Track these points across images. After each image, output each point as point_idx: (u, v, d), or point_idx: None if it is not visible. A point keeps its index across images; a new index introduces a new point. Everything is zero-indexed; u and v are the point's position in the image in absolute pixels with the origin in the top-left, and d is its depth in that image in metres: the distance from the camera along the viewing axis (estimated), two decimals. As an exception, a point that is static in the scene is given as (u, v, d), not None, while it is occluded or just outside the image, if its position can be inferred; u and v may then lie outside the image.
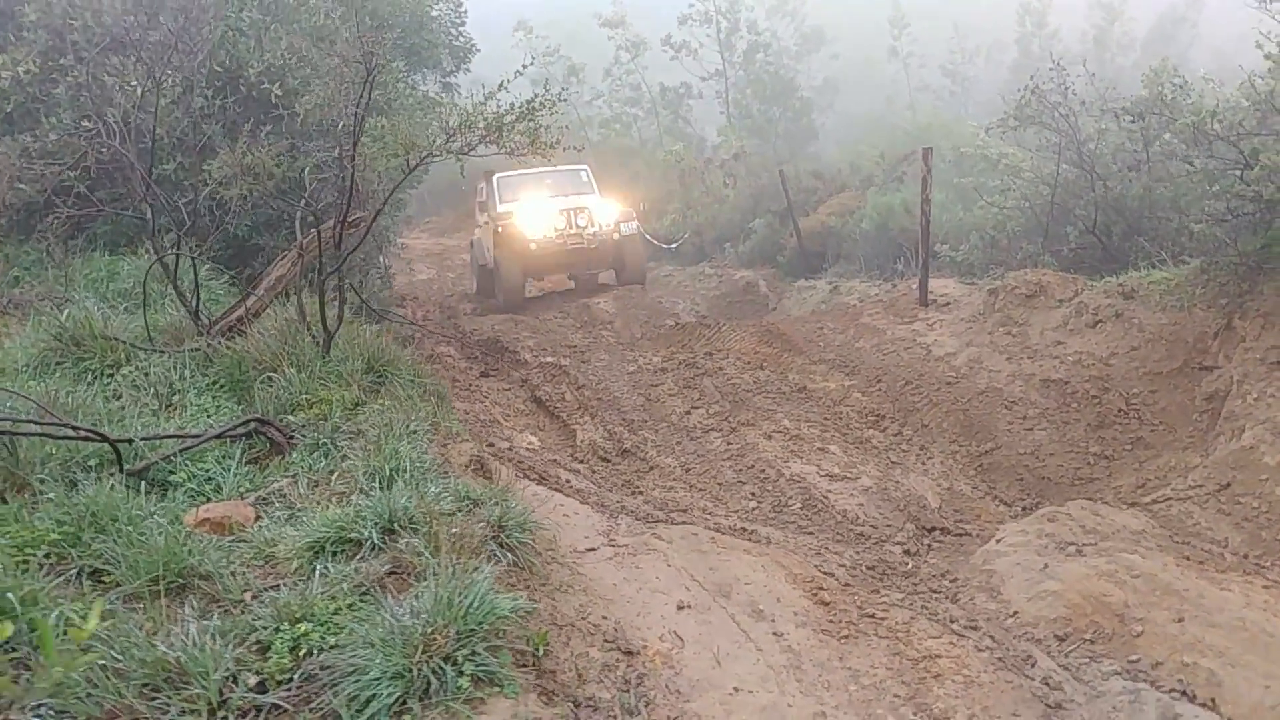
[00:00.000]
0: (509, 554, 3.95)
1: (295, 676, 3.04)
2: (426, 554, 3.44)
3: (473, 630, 3.07)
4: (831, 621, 4.42)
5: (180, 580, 3.60)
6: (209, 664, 2.97)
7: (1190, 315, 7.55)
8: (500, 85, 5.74)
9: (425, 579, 3.37)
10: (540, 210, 15.50)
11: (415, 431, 4.71)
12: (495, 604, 3.14)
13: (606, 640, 4.00)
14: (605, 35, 29.58)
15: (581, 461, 8.11)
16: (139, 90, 6.32)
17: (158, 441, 4.65)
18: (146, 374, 5.57)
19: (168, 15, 6.50)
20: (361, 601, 3.39)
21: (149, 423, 5.03)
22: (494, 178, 16.36)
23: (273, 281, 5.88)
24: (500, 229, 15.21)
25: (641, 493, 7.13)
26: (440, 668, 2.97)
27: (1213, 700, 4.08)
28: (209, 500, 4.41)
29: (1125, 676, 4.31)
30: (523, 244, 15.08)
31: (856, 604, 4.64)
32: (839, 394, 8.65)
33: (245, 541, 3.96)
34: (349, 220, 5.43)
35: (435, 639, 3.00)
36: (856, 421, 8.21)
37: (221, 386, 5.51)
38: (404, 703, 2.92)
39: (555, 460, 7.64)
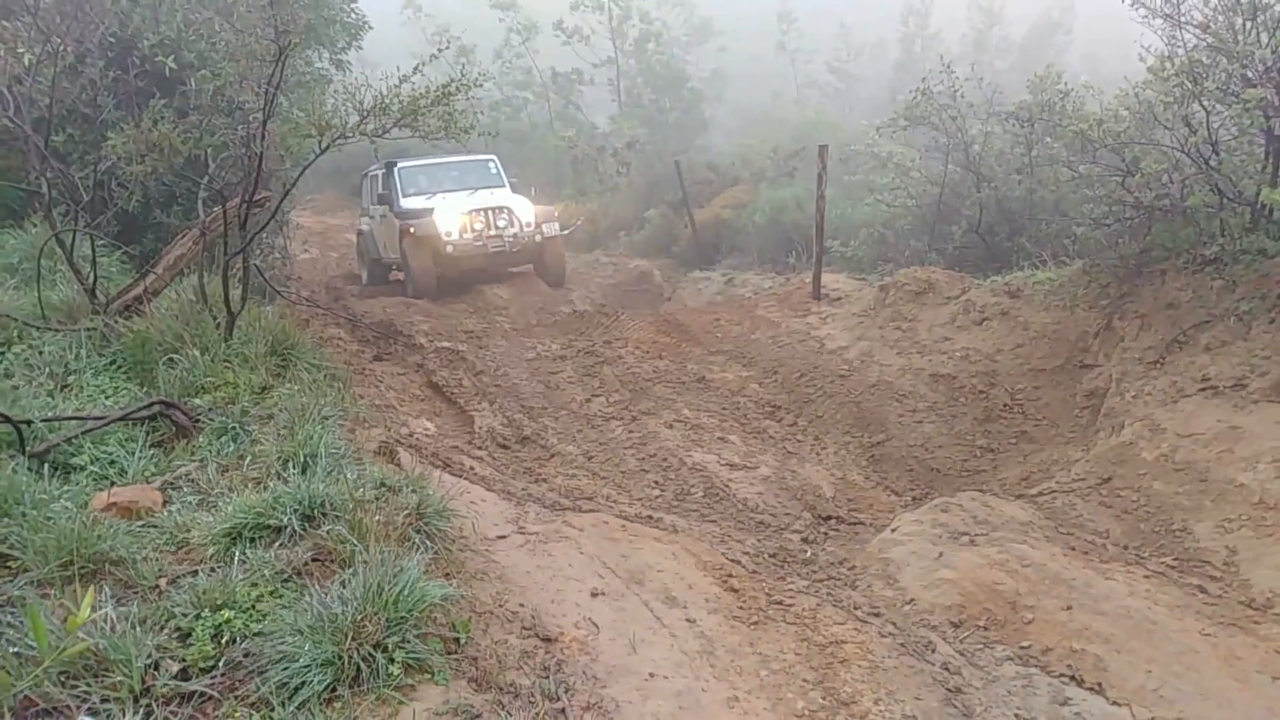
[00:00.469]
0: (429, 542, 3.93)
1: (220, 664, 2.99)
2: (352, 541, 3.40)
3: (403, 618, 3.06)
4: (742, 608, 4.53)
5: (91, 566, 3.50)
6: (130, 651, 2.90)
7: (1072, 315, 7.91)
8: (415, 69, 5.66)
9: (350, 566, 3.34)
10: (457, 210, 14.31)
11: (328, 417, 4.63)
12: (425, 592, 3.13)
13: (524, 627, 4.02)
14: (496, 17, 29.26)
15: (481, 448, 8.08)
16: (26, 58, 6.03)
17: (57, 423, 4.47)
18: (40, 352, 5.35)
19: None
20: (284, 588, 3.35)
21: (45, 404, 4.84)
22: (396, 168, 15.26)
23: (172, 260, 5.69)
24: (412, 230, 14.00)
25: (545, 480, 7.15)
26: (370, 655, 2.95)
27: (1099, 684, 4.31)
28: (113, 484, 4.27)
29: (1017, 662, 4.53)
30: (438, 247, 13.95)
31: (765, 591, 4.75)
32: (737, 385, 8.81)
33: (156, 527, 3.86)
34: (255, 199, 5.29)
35: (365, 626, 2.99)
36: (754, 412, 8.38)
37: (119, 368, 5.32)
38: (334, 690, 2.90)
39: (457, 447, 7.60)
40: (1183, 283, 7.21)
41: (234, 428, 4.64)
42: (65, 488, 4.08)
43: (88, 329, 5.49)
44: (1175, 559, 5.53)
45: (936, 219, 11.25)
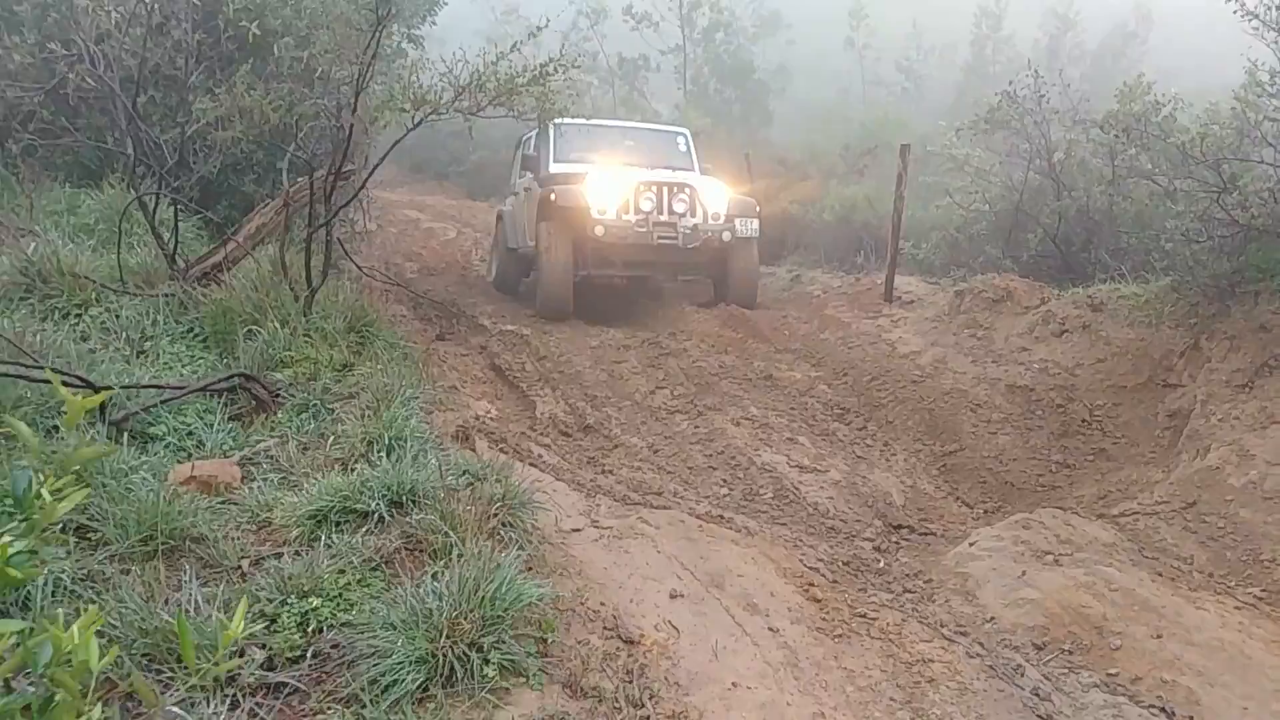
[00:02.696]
0: (514, 534, 3.84)
1: (307, 654, 2.91)
2: (446, 531, 3.31)
3: (499, 617, 2.96)
4: (825, 620, 4.40)
5: (172, 542, 3.44)
6: (217, 636, 2.83)
7: (1158, 332, 7.68)
8: (513, 47, 5.57)
9: (442, 558, 3.25)
10: (619, 179, 10.61)
11: (414, 398, 4.55)
12: (522, 591, 3.03)
13: (606, 628, 3.92)
14: None
15: (544, 435, 8.01)
16: (112, 15, 6.01)
17: (135, 391, 4.43)
18: (118, 316, 5.33)
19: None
20: (372, 577, 3.27)
21: (122, 370, 4.80)
22: (554, 124, 10.88)
23: (254, 229, 5.65)
24: (553, 196, 10.42)
25: (611, 472, 7.04)
26: (465, 654, 2.86)
27: (1191, 718, 4.14)
28: (190, 457, 4.22)
29: (1104, 689, 4.36)
30: (585, 223, 10.25)
31: (847, 603, 4.62)
32: (805, 384, 8.65)
33: (236, 504, 3.80)
34: (342, 172, 5.22)
35: (460, 624, 2.90)
36: (822, 413, 8.22)
37: (197, 336, 5.29)
38: (426, 689, 2.81)
39: (524, 433, 7.51)
40: (1277, 306, 6.96)
41: (315, 405, 4.58)
42: (144, 458, 4.04)
43: (166, 295, 5.47)
44: (1264, 590, 5.32)
45: (1013, 226, 11.00)
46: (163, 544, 3.41)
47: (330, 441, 4.19)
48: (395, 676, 2.77)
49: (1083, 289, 8.74)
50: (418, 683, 2.78)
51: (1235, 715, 4.13)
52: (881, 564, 5.80)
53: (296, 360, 4.92)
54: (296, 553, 3.40)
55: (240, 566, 3.37)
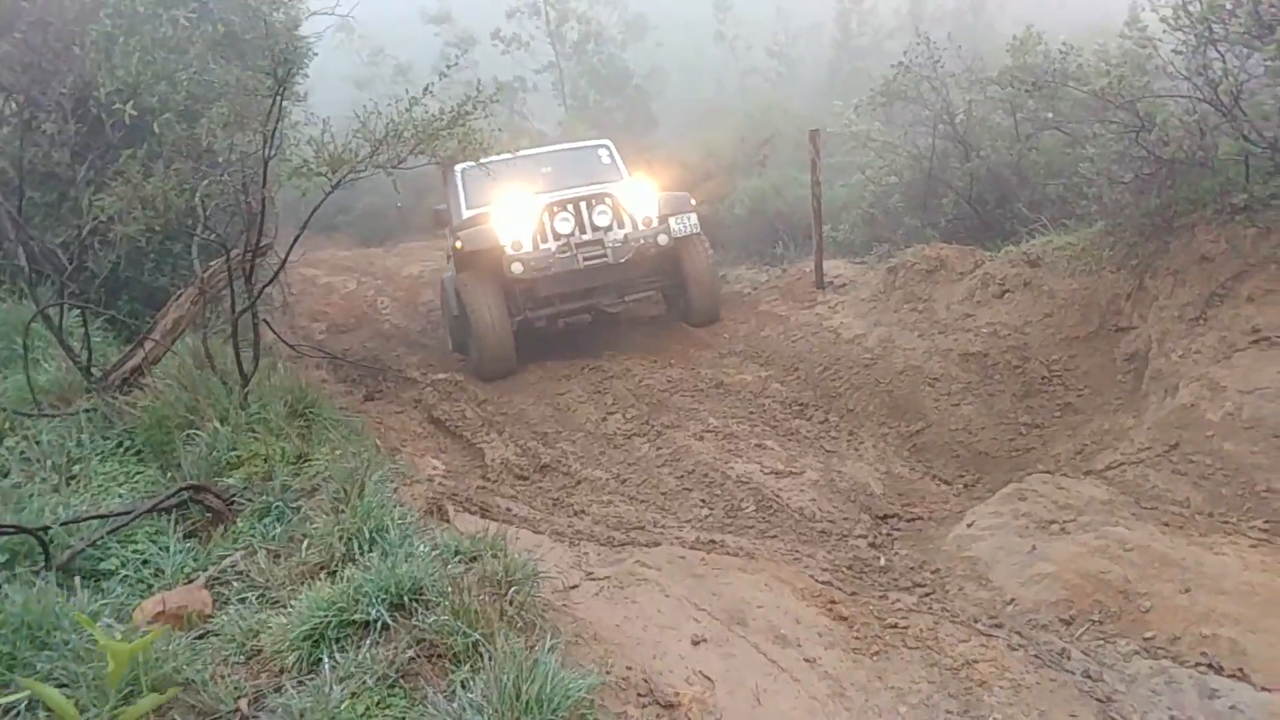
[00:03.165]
0: (523, 614, 3.53)
1: (345, 801, 2.59)
2: (464, 630, 3.00)
3: None
4: (858, 638, 4.19)
5: (156, 693, 3.06)
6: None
7: (1100, 278, 7.66)
8: (425, 90, 5.26)
9: (466, 662, 2.95)
10: (526, 205, 9.49)
11: (383, 481, 4.21)
12: (569, 685, 2.74)
13: (639, 694, 3.64)
14: (431, 32, 28.69)
15: (499, 484, 7.70)
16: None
17: (77, 525, 4.02)
18: (37, 443, 4.87)
19: (21, 28, 5.70)
20: (392, 696, 2.94)
21: (55, 502, 4.36)
22: (457, 170, 10.50)
23: (170, 323, 5.24)
24: (460, 244, 9.49)
25: (583, 512, 6.76)
26: (523, 771, 2.57)
27: (1241, 670, 4.02)
28: (151, 588, 3.83)
29: (1146, 655, 4.23)
30: (499, 266, 9.23)
31: (874, 614, 4.42)
32: (757, 386, 8.47)
33: (217, 634, 3.43)
34: (259, 247, 4.86)
35: (509, 737, 2.60)
36: (781, 413, 8.04)
37: (129, 450, 4.86)
38: (486, 818, 2.51)
39: (484, 487, 7.19)
40: (1214, 234, 6.96)
41: (277, 506, 4.21)
42: (102, 600, 3.64)
43: (87, 410, 5.03)
44: (1267, 522, 5.25)
45: (926, 194, 10.98)
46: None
47: (305, 545, 3.83)
48: (450, 810, 2.47)
49: (1016, 246, 8.71)
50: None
51: (1285, 657, 4.03)
52: (882, 561, 5.63)
53: (245, 459, 4.53)
54: (299, 681, 3.05)
55: (239, 709, 3.01)
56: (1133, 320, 7.34)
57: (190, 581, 3.87)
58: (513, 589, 3.41)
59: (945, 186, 10.93)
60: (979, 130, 10.68)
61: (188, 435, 4.71)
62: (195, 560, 4.02)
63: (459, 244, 9.48)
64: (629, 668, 3.78)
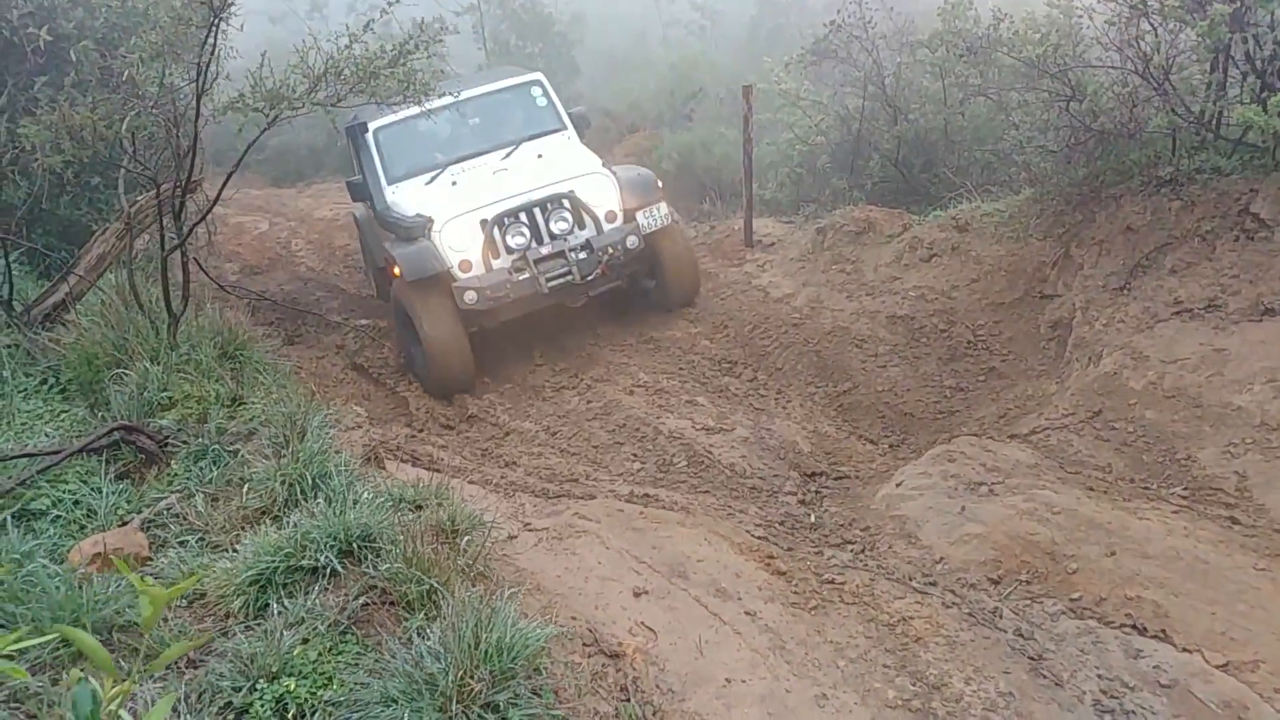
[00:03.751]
0: (488, 568, 3.49)
1: (299, 747, 2.53)
2: (419, 578, 2.94)
3: (509, 670, 2.63)
4: (796, 593, 4.24)
5: (98, 637, 2.95)
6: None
7: (1027, 245, 7.81)
8: (366, 26, 5.07)
9: (420, 610, 2.89)
10: (468, 221, 7.92)
11: (324, 427, 4.10)
12: (528, 635, 2.71)
13: (585, 644, 3.64)
14: (347, -34, 27.80)
15: (421, 431, 7.60)
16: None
17: (3, 464, 3.84)
18: (-47, 378, 4.65)
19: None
20: (344, 643, 2.88)
21: (-23, 440, 4.17)
22: (370, 133, 8.79)
23: (94, 259, 5.00)
24: (399, 270, 7.98)
25: (514, 463, 6.71)
26: (483, 717, 2.53)
27: (1164, 631, 4.17)
28: (85, 529, 3.69)
29: (1072, 616, 4.36)
30: (449, 303, 7.84)
31: (812, 570, 4.48)
32: (687, 342, 8.46)
33: (157, 578, 3.31)
34: (190, 183, 4.65)
35: (469, 684, 2.56)
36: (710, 370, 8.05)
37: (53, 388, 4.66)
38: (447, 764, 2.48)
39: (413, 436, 7.09)
40: (1140, 206, 7.14)
41: (214, 449, 4.08)
42: (34, 540, 3.49)
43: (7, 346, 4.80)
44: (1186, 489, 5.44)
45: (854, 156, 11.05)
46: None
47: (245, 490, 3.72)
48: (412, 758, 2.43)
49: (942, 211, 8.82)
50: (437, 762, 2.44)
51: (1204, 620, 4.19)
52: (813, 518, 5.70)
53: (178, 400, 4.38)
54: (247, 627, 2.97)
55: (186, 654, 2.92)
56: (1058, 288, 7.50)
57: (125, 524, 3.74)
58: (464, 538, 3.35)
59: (872, 149, 11.00)
60: (908, 93, 10.75)
61: (116, 374, 4.52)
62: (129, 502, 3.89)
63: (397, 270, 7.84)
64: (573, 618, 3.77)
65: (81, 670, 1.81)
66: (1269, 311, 6.09)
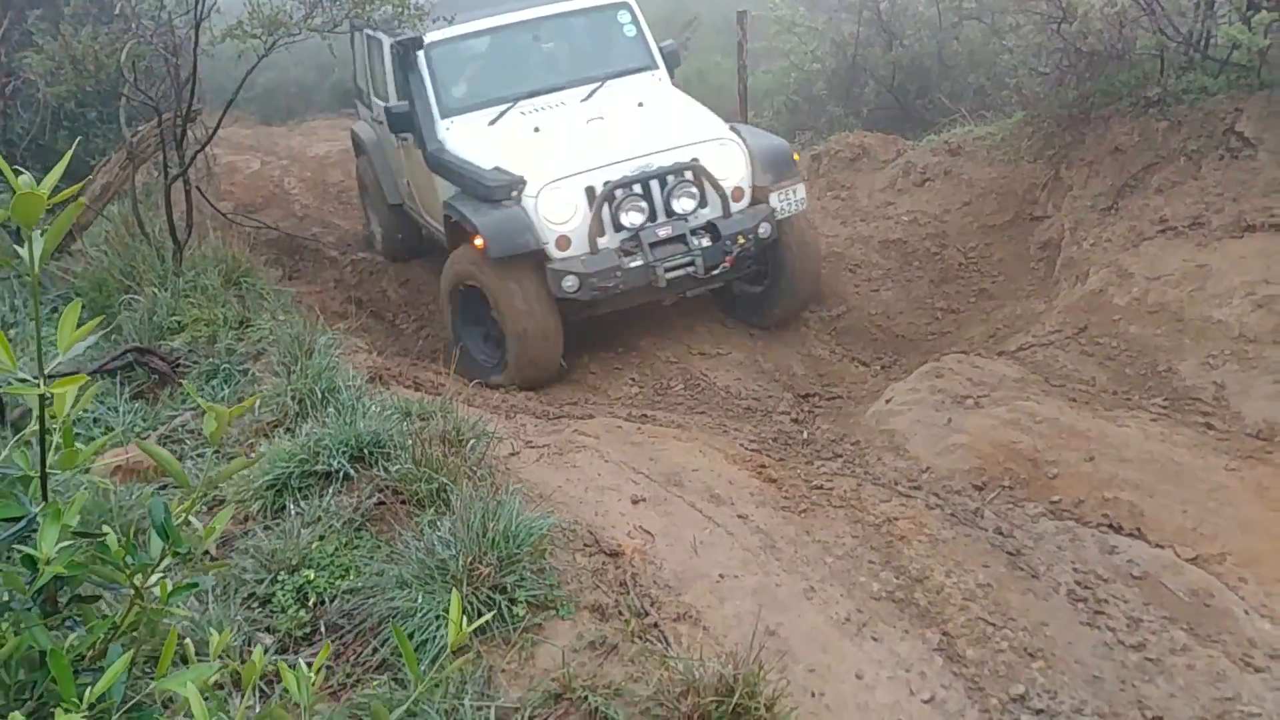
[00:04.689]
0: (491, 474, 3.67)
1: (320, 630, 2.72)
2: (433, 477, 3.12)
3: (514, 555, 2.82)
4: (786, 498, 4.43)
5: (92, 534, 3.14)
6: (222, 629, 2.60)
7: (1018, 168, 7.91)
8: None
9: (430, 506, 3.08)
10: (574, 183, 6.42)
11: (331, 346, 4.27)
12: (532, 525, 2.90)
13: (585, 544, 3.82)
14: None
15: (422, 360, 7.76)
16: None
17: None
18: (-31, 306, 4.80)
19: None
20: (359, 538, 3.07)
21: (-5, 363, 4.32)
22: (424, 50, 6.89)
23: (99, 189, 5.13)
24: (481, 242, 6.31)
25: (515, 388, 6.89)
26: (491, 598, 2.73)
27: (1138, 529, 4.36)
28: (105, 446, 3.86)
29: (1052, 517, 4.55)
30: (541, 282, 6.45)
31: (802, 477, 4.66)
32: (683, 269, 8.59)
33: (177, 487, 3.49)
34: (191, 111, 4.76)
35: (478, 569, 2.75)
36: (705, 297, 8.19)
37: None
38: (459, 641, 2.67)
39: (414, 363, 7.25)
40: (1128, 127, 7.24)
41: (224, 368, 4.25)
42: (58, 455, 3.66)
43: (18, 276, 4.95)
44: (1166, 399, 5.61)
45: (850, 82, 11.09)
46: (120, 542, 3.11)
47: (258, 404, 3.89)
48: (426, 635, 2.62)
49: (937, 135, 8.91)
50: (450, 637, 2.63)
51: (1176, 518, 4.38)
52: (805, 434, 5.87)
53: (187, 324, 4.55)
54: (266, 527, 3.16)
55: (208, 551, 3.10)
56: (1047, 210, 7.62)
57: (143, 439, 3.91)
58: (470, 443, 3.53)
59: (868, 75, 11.05)
60: (903, 18, 10.78)
61: (126, 300, 4.68)
62: (145, 420, 4.06)
63: (479, 241, 6.27)
64: (575, 522, 3.95)
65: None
66: (1250, 228, 6.21)
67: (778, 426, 5.99)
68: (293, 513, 3.15)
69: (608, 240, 6.45)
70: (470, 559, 2.73)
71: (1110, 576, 3.98)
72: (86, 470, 3.57)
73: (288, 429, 3.69)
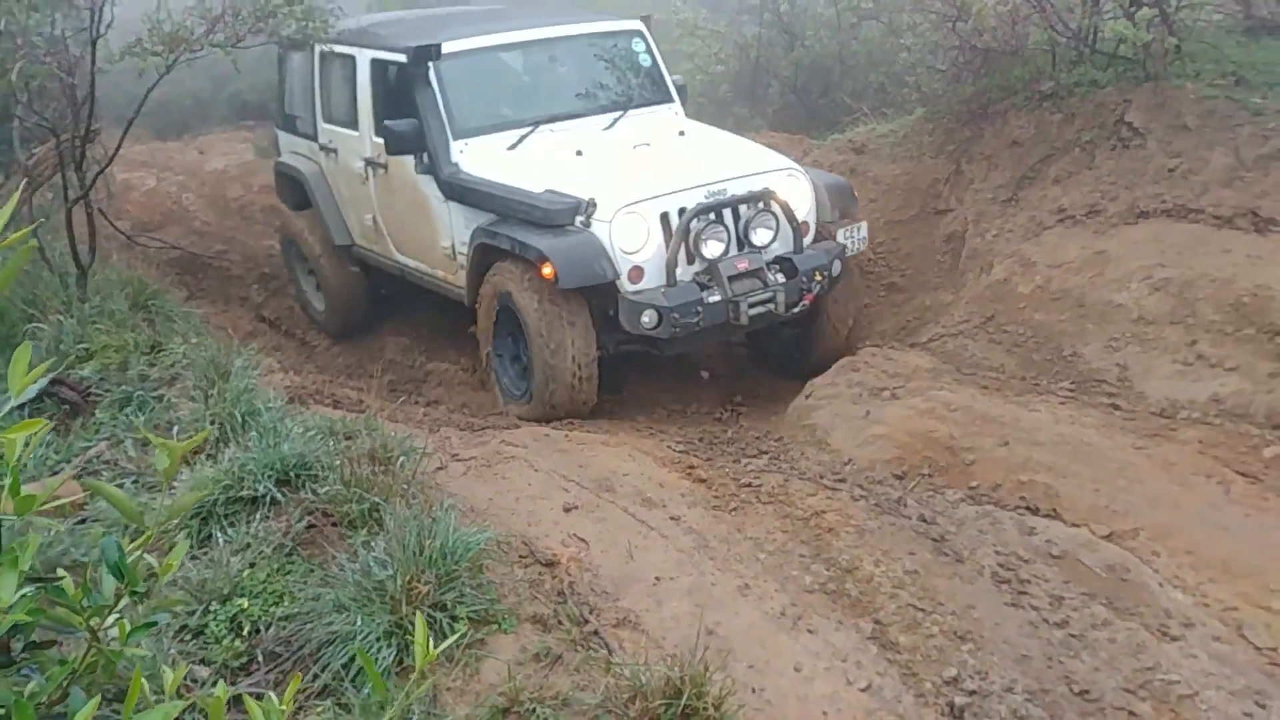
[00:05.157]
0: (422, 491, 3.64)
1: (258, 659, 2.68)
2: (364, 496, 3.09)
3: (453, 571, 2.81)
4: (717, 497, 4.47)
5: (47, 578, 3.04)
6: (157, 664, 2.54)
7: (921, 164, 8.10)
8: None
9: (363, 527, 3.05)
10: (649, 208, 5.89)
11: (248, 368, 4.19)
12: (468, 540, 2.89)
13: (521, 556, 3.81)
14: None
15: (338, 377, 7.67)
16: None
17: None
18: None
19: None
20: (290, 563, 3.02)
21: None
22: (437, 63, 6.47)
23: (-4, 216, 4.94)
24: (547, 271, 5.65)
25: (437, 402, 6.86)
26: (432, 617, 2.71)
27: (1054, 510, 4.52)
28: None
29: (971, 502, 4.68)
30: (588, 314, 5.96)
31: (731, 476, 4.71)
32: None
33: (98, 520, 3.40)
34: (90, 131, 4.63)
35: (416, 587, 2.73)
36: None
37: (-36, 348, 4.63)
38: (402, 661, 2.65)
39: (330, 380, 7.16)
40: (1024, 120, 7.47)
41: (138, 395, 4.14)
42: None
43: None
44: (1073, 382, 5.82)
45: (754, 84, 11.24)
46: (38, 582, 3.01)
47: (175, 430, 3.80)
48: (369, 657, 2.59)
49: (842, 134, 9.08)
50: (393, 657, 2.62)
51: (1089, 497, 4.54)
52: (729, 434, 5.95)
53: (96, 351, 4.41)
54: (193, 556, 3.09)
55: (135, 589, 3.02)
56: (951, 203, 7.82)
57: (54, 474, 3.79)
58: (399, 460, 3.50)
59: (771, 76, 11.22)
60: (803, 19, 10.97)
61: (30, 330, 4.53)
62: (57, 453, 3.93)
63: (547, 270, 5.59)
64: (509, 534, 3.94)
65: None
66: (1144, 214, 6.46)
67: (703, 427, 6.05)
68: (220, 541, 3.09)
69: (682, 272, 5.90)
70: (408, 578, 2.71)
71: (1031, 557, 4.10)
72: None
73: (209, 455, 3.62)
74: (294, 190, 8.46)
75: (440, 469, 4.83)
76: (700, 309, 5.75)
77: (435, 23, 7.28)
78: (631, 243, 5.75)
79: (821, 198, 6.44)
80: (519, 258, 5.89)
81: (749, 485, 4.62)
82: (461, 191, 6.39)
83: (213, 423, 3.79)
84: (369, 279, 8.16)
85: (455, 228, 6.54)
